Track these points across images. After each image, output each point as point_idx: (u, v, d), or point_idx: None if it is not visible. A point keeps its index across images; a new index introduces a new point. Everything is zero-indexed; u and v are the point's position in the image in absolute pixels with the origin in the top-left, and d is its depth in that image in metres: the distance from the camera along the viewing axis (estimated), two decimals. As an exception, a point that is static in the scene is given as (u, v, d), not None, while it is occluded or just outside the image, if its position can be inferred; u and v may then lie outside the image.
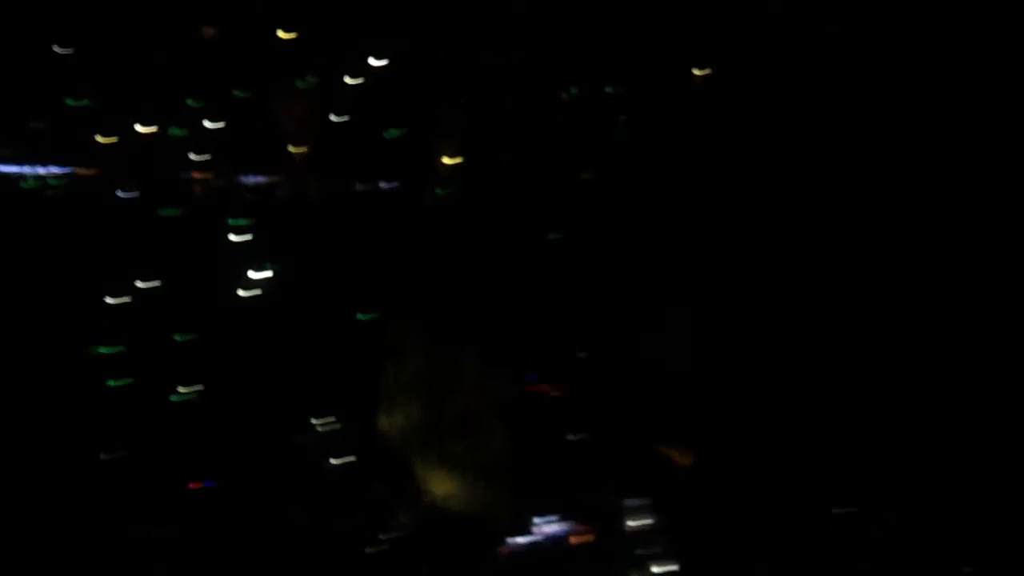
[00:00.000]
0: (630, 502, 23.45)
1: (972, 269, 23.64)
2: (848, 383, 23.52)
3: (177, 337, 24.66)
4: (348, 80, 24.53)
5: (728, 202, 22.91)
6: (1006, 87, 22.79)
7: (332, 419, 24.86)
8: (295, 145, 24.82)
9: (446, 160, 24.84)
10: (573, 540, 23.06)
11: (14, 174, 23.94)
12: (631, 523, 23.18)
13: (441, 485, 23.68)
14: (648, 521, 23.35)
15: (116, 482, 23.27)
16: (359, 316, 24.58)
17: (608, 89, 23.42)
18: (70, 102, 23.81)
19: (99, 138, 22.60)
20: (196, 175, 24.45)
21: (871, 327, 23.56)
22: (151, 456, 23.61)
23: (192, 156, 24.61)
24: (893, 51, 24.15)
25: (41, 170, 24.21)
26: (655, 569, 23.23)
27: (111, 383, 23.78)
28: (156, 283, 25.16)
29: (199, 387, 24.59)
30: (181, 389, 23.77)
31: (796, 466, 23.63)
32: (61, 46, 22.83)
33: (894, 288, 23.52)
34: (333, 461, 23.28)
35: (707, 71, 23.76)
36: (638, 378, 23.43)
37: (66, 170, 24.12)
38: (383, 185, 24.84)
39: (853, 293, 23.59)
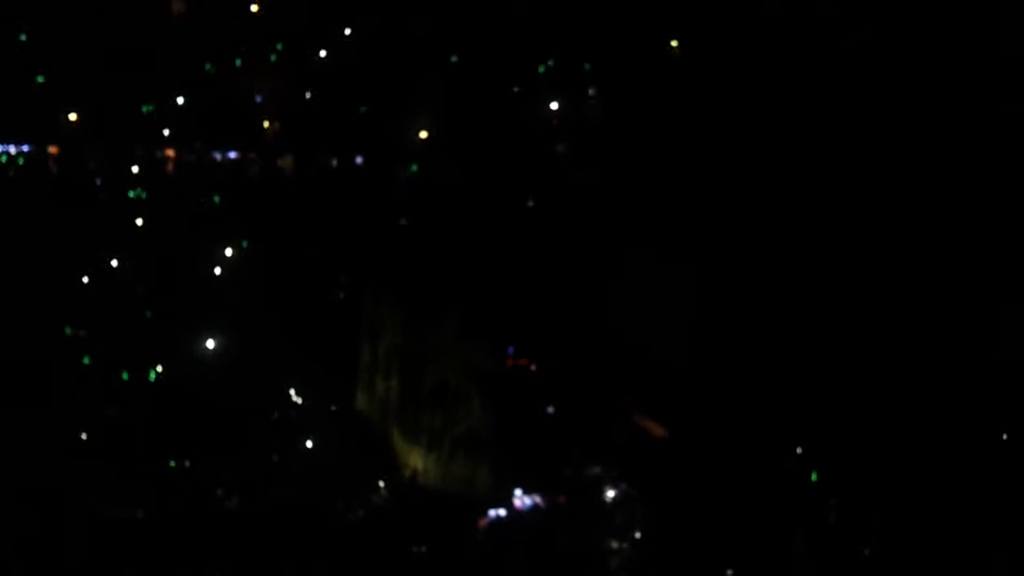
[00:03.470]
0: (608, 472, 23.62)
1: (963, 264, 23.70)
2: (824, 370, 23.72)
3: (147, 314, 24.35)
4: (321, 54, 24.35)
5: (698, 186, 22.98)
6: (1002, 87, 22.77)
7: (310, 395, 24.70)
8: (268, 120, 24.71)
9: (422, 135, 24.74)
10: (552, 510, 23.13)
11: (-21, 150, 23.45)
12: (609, 492, 23.39)
13: (419, 458, 23.79)
14: (625, 490, 23.51)
15: (90, 460, 22.84)
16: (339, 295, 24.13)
17: (585, 66, 23.47)
18: (40, 79, 23.45)
19: (70, 116, 22.34)
20: (167, 152, 24.25)
21: (845, 316, 23.80)
22: (118, 434, 23.20)
23: (163, 132, 24.37)
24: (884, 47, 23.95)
25: (11, 148, 23.86)
26: (634, 535, 23.36)
27: (86, 360, 23.43)
28: (126, 261, 24.73)
29: (172, 365, 24.31)
30: (158, 368, 23.54)
31: (769, 443, 23.87)
32: (26, 26, 22.43)
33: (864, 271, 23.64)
34: (310, 438, 23.13)
35: (677, 46, 23.70)
36: (616, 353, 23.58)
37: (32, 148, 23.81)
38: (358, 160, 24.74)
39: (826, 278, 23.72)
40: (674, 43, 22.59)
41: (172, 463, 23.58)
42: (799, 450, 24.47)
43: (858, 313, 23.61)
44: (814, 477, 23.98)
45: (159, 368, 23.35)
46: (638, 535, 24.70)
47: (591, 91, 23.05)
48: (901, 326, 22.87)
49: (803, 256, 23.44)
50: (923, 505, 22.79)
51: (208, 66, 22.66)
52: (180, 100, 22.47)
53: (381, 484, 24.67)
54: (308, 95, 23.18)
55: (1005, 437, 23.47)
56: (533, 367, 25.05)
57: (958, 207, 22.98)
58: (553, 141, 23.60)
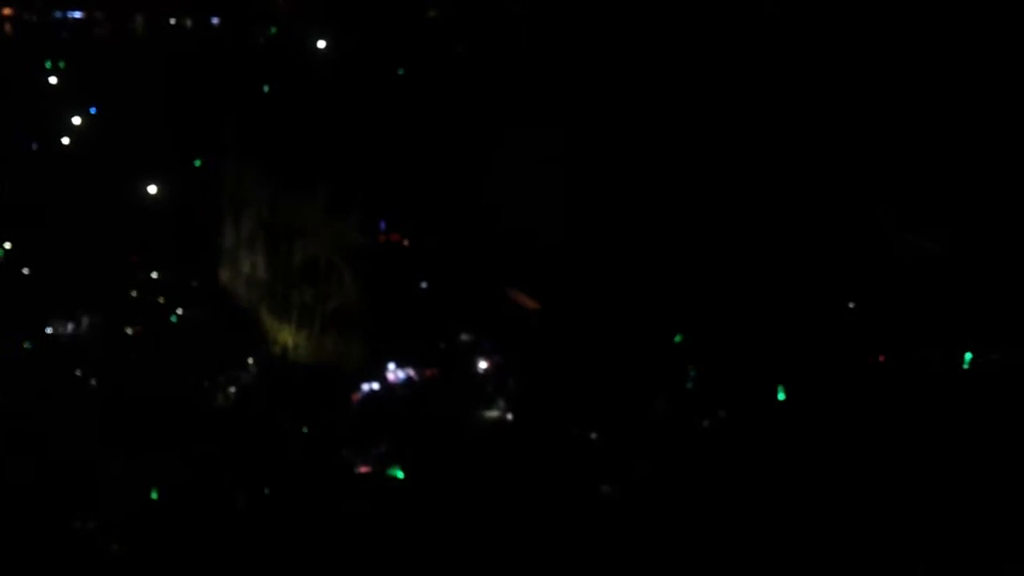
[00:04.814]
0: (480, 345, 23.91)
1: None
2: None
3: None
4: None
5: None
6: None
7: (170, 272, 23.80)
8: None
9: (281, -8, 23.19)
10: (425, 383, 23.34)
11: None
12: (482, 364, 23.71)
13: (289, 335, 23.42)
14: (497, 362, 23.91)
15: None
16: (196, 163, 23.34)
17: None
18: None
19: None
20: (5, 11, 22.20)
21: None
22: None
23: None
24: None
25: None
26: (505, 405, 23.91)
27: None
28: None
29: (20, 242, 22.96)
30: (6, 246, 22.22)
31: (636, 314, 24.58)
32: None
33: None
34: (178, 312, 22.44)
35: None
36: (489, 228, 23.50)
37: None
38: (214, 20, 23.24)
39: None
40: None
41: (27, 344, 22.45)
42: (662, 318, 25.30)
43: (724, 188, 24.23)
44: (678, 339, 24.89)
45: (7, 245, 21.89)
46: (508, 404, 25.24)
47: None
48: (769, 212, 23.66)
49: (681, 142, 23.69)
50: (783, 374, 24.09)
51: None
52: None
53: (250, 361, 24.21)
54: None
55: (849, 312, 24.86)
56: (406, 242, 24.73)
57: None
58: (424, 5, 22.68)
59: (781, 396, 25.07)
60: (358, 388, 24.69)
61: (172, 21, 22.15)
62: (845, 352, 24.96)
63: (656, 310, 25.62)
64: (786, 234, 25.12)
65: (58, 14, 21.18)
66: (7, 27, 20.87)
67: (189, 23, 22.33)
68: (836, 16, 22.60)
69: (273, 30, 22.74)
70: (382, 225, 23.85)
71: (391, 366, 24.79)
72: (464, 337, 25.16)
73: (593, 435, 25.15)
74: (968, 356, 24.00)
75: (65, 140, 21.69)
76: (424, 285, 24.52)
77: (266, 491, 22.76)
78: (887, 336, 25.01)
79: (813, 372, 24.68)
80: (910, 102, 23.37)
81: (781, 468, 23.56)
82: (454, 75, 22.77)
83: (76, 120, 21.63)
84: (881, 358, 25.09)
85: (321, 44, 22.37)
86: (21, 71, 21.34)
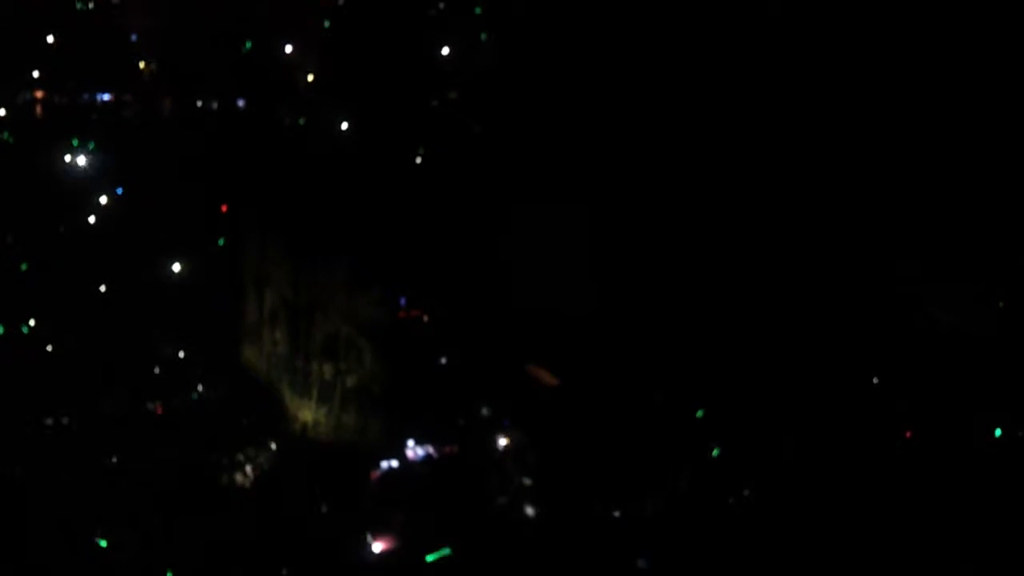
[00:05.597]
0: (499, 421, 23.73)
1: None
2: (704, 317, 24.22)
3: (23, 267, 23.15)
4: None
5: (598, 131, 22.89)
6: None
7: (193, 349, 23.91)
8: (144, 61, 23.39)
9: (309, 77, 23.87)
10: (444, 460, 23.14)
11: None
12: (501, 441, 23.51)
13: (309, 412, 23.38)
14: (517, 438, 23.70)
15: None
16: (219, 242, 23.62)
17: (476, 10, 23.06)
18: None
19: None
20: (37, 94, 22.78)
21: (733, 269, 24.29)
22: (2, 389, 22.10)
23: (32, 72, 22.85)
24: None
25: None
26: (525, 482, 23.64)
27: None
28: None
29: (46, 319, 23.13)
30: (31, 322, 22.41)
31: (656, 388, 24.40)
32: None
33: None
34: (199, 389, 22.53)
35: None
36: (507, 303, 23.56)
37: None
38: (240, 103, 23.72)
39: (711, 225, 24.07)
40: None
41: (49, 421, 22.60)
42: (684, 394, 25.11)
43: (743, 261, 24.24)
44: (699, 414, 24.65)
45: (32, 322, 22.18)
46: (529, 482, 25.01)
47: (483, 36, 22.64)
48: (784, 267, 23.62)
49: (691, 204, 23.82)
50: (800, 442, 23.76)
51: (80, 2, 21.19)
52: (50, 39, 20.99)
53: (270, 438, 24.15)
54: (186, 33, 22.03)
55: (875, 381, 24.63)
56: (425, 318, 24.82)
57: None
58: (444, 87, 23.13)
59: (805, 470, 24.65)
60: (377, 465, 24.52)
61: (199, 103, 22.73)
62: (872, 427, 24.65)
63: (677, 385, 25.47)
64: (810, 309, 25.02)
65: (87, 96, 21.82)
66: (38, 109, 21.48)
67: (215, 105, 22.87)
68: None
69: (301, 121, 23.07)
70: (401, 301, 23.98)
71: (410, 442, 24.64)
72: (483, 413, 25.05)
73: (616, 512, 24.83)
74: (998, 431, 23.63)
75: (92, 219, 22.12)
76: (443, 361, 24.52)
77: (284, 572, 22.55)
78: (915, 410, 24.70)
79: (838, 448, 24.35)
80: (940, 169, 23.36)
81: (808, 544, 23.12)
82: (473, 152, 23.09)
83: (103, 199, 22.06)
84: (908, 434, 24.76)
85: (344, 125, 22.85)
86: (51, 151, 21.86)
